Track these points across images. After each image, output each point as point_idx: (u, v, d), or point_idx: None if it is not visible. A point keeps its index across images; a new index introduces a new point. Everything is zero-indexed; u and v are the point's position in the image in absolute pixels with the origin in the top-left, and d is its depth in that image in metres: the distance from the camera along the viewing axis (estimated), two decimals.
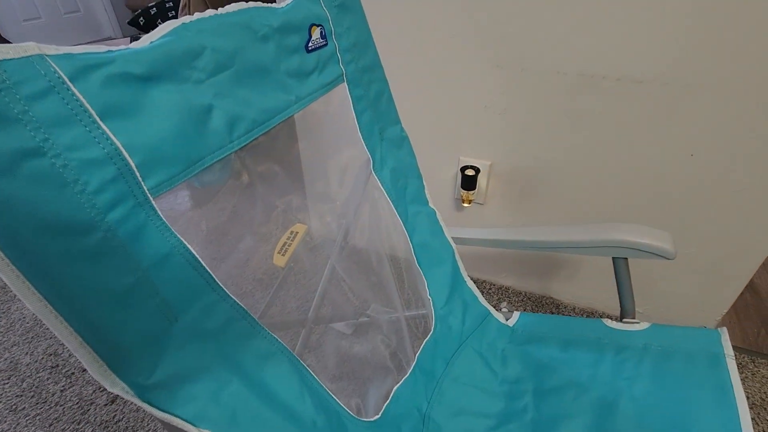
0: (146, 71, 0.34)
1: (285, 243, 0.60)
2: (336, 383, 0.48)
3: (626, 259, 0.65)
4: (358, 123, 0.61)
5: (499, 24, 0.82)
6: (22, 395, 0.92)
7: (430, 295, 0.69)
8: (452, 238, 0.74)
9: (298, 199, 0.59)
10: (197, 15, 0.39)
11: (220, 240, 0.42)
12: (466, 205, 1.02)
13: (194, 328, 0.37)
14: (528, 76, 0.84)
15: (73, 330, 0.29)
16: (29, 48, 0.28)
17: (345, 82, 0.58)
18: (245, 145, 0.42)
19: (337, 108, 0.59)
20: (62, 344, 1.03)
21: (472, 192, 0.99)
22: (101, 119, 0.31)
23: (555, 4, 0.76)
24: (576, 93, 0.82)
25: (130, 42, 0.35)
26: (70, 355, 1.00)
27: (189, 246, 0.37)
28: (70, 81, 0.29)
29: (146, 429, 0.85)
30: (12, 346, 1.02)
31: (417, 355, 0.63)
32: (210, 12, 0.40)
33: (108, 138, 0.31)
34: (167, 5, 1.85)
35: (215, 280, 0.39)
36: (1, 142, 0.26)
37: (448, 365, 0.68)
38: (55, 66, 0.29)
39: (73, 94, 0.29)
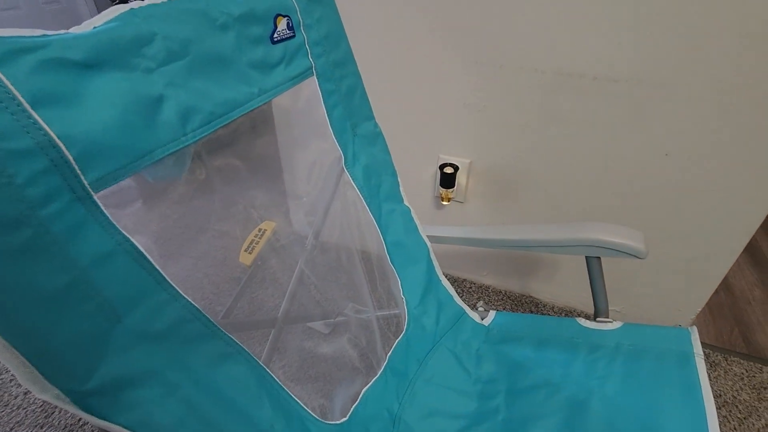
0: (87, 58, 0.32)
1: (252, 241, 0.59)
2: (302, 385, 0.47)
3: (599, 258, 0.65)
4: (329, 118, 0.60)
5: (477, 22, 0.81)
6: None
7: (403, 294, 0.68)
8: (428, 236, 0.73)
9: (264, 196, 0.57)
10: (148, 0, 0.37)
11: (175, 237, 0.40)
12: (445, 203, 1.01)
13: (141, 330, 0.35)
14: (507, 74, 0.84)
15: None
16: None
17: (315, 76, 0.57)
18: (200, 139, 0.41)
19: (306, 102, 0.57)
20: None
21: (451, 190, 0.98)
22: (32, 107, 0.29)
23: (534, 3, 0.75)
24: (554, 91, 0.82)
25: None
26: None
27: (136, 243, 0.35)
28: None
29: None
30: None
31: (388, 355, 0.62)
32: None
33: (40, 127, 0.29)
34: None
35: (165, 278, 0.37)
36: None
37: (421, 365, 0.67)
38: None
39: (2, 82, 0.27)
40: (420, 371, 0.66)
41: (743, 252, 1.27)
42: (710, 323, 1.06)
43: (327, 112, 0.59)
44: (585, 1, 0.72)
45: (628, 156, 0.83)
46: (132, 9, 0.36)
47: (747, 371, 0.93)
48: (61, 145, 0.30)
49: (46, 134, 0.29)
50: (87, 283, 0.31)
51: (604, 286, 0.67)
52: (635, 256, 0.61)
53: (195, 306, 0.39)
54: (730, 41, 0.68)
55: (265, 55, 0.49)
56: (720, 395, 0.89)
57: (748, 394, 0.89)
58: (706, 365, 0.96)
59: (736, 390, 0.89)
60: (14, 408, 0.87)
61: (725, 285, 1.17)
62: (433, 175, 1.03)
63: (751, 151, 0.75)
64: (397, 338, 0.64)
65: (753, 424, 0.83)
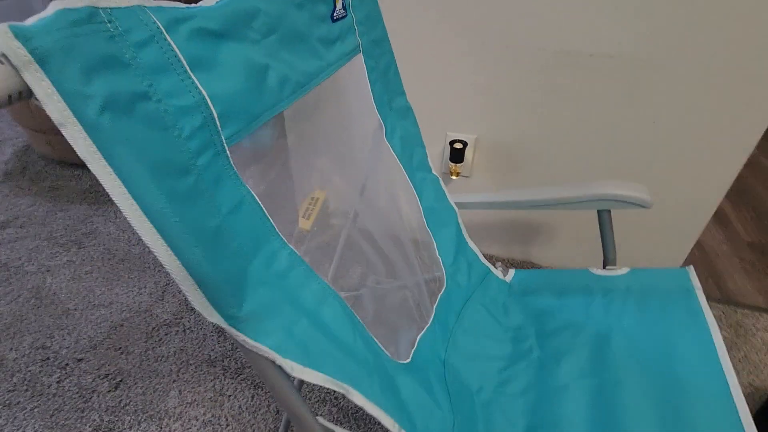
0: (219, 28, 0.36)
1: (308, 207, 0.63)
2: (372, 330, 0.52)
3: (609, 211, 0.74)
4: (372, 92, 0.65)
5: (484, 4, 0.88)
6: (14, 390, 0.88)
7: (439, 254, 0.74)
8: (454, 202, 0.80)
9: (324, 161, 0.62)
10: None
11: (271, 196, 0.45)
12: (454, 177, 1.08)
13: (264, 272, 0.40)
14: (511, 54, 0.91)
15: (180, 263, 0.32)
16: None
17: (361, 53, 0.62)
18: (292, 104, 0.45)
19: (354, 77, 0.63)
20: (50, 337, 0.99)
21: (459, 165, 1.05)
22: (191, 70, 0.33)
23: None
24: (554, 68, 0.90)
25: None
26: (60, 347, 0.97)
27: (255, 195, 0.40)
28: (166, 32, 0.31)
29: (155, 410, 0.85)
30: None
31: (434, 307, 0.69)
32: None
33: (197, 87, 0.33)
34: None
35: (275, 228, 0.42)
36: (121, 85, 0.28)
37: (458, 318, 0.74)
38: (153, 16, 0.31)
39: (170, 44, 0.31)
40: (458, 323, 0.73)
41: (712, 217, 1.42)
42: None
43: (371, 87, 0.65)
44: None
45: (620, 124, 0.93)
46: None
47: (724, 313, 1.06)
48: (210, 104, 0.34)
49: (200, 94, 0.34)
50: (227, 229, 0.36)
51: (613, 237, 0.76)
52: (642, 206, 0.70)
53: (296, 253, 0.44)
54: (712, 29, 0.78)
55: (328, 32, 0.54)
56: None
57: (727, 332, 1.02)
58: None
59: None
60: (50, 396, 0.87)
61: (698, 244, 1.31)
62: (441, 151, 1.10)
63: (726, 119, 0.86)
64: (439, 293, 0.71)
65: (734, 356, 0.96)
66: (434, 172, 1.14)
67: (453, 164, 1.05)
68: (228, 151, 0.37)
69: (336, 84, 0.63)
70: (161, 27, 0.31)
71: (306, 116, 0.60)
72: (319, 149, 0.63)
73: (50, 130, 1.52)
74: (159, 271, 1.20)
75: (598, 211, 0.74)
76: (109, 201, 1.48)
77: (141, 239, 1.30)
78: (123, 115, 0.28)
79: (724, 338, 1.00)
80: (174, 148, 0.32)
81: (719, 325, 1.03)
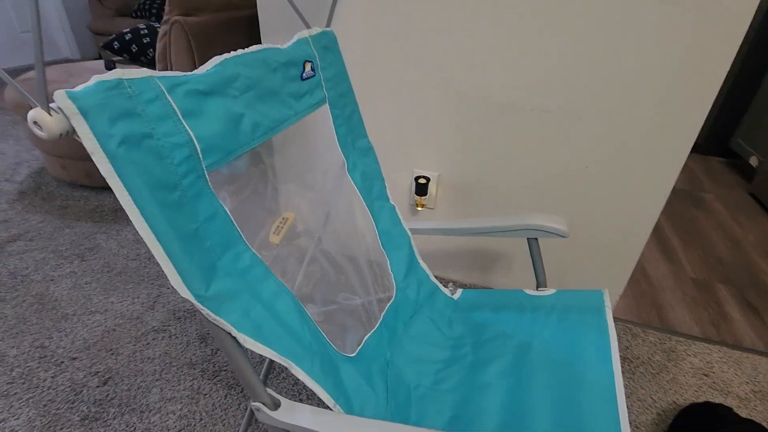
0: (207, 89, 0.51)
1: (278, 225, 0.77)
2: (322, 326, 0.64)
3: (536, 239, 0.87)
4: (337, 135, 0.80)
5: (442, 59, 1.05)
6: (12, 382, 0.99)
7: (391, 270, 0.87)
8: (408, 228, 0.94)
9: (286, 190, 0.76)
10: (239, 51, 0.57)
11: (243, 211, 0.57)
12: (419, 209, 1.22)
13: (230, 267, 0.53)
14: (466, 103, 1.08)
15: (164, 253, 0.45)
16: (144, 72, 0.44)
17: (327, 104, 0.77)
18: (261, 143, 0.60)
19: (321, 122, 0.78)
20: (48, 337, 1.10)
21: (424, 197, 1.20)
22: (183, 118, 0.47)
23: (485, 49, 1.00)
24: (502, 118, 1.06)
25: (105, 67, 0.51)
26: (57, 347, 1.08)
27: (227, 209, 0.53)
28: (168, 93, 0.46)
29: (137, 404, 0.95)
30: None
31: (383, 313, 0.81)
32: (240, 51, 0.58)
33: (186, 130, 0.48)
34: (141, 32, 1.97)
35: (241, 236, 0.55)
36: (134, 128, 0.42)
37: (406, 326, 0.85)
38: (159, 83, 0.45)
39: (169, 101, 0.46)
40: (405, 330, 0.85)
41: (659, 249, 1.55)
42: (634, 307, 1.31)
43: (335, 130, 0.80)
44: (524, 51, 0.98)
45: (559, 168, 1.08)
46: (226, 59, 0.55)
47: (659, 340, 1.17)
48: (195, 142, 0.49)
49: (188, 135, 0.48)
50: (203, 232, 0.49)
51: (542, 262, 0.89)
52: (561, 235, 0.83)
53: (257, 256, 0.57)
54: (626, 88, 0.94)
55: (298, 89, 0.69)
56: (638, 357, 1.12)
57: (660, 356, 1.12)
58: (629, 335, 1.20)
59: (651, 353, 1.13)
60: (44, 389, 0.97)
61: (645, 276, 1.43)
62: (408, 185, 1.24)
63: (644, 160, 1.01)
64: (388, 303, 0.83)
65: (663, 377, 1.06)
66: (401, 203, 1.28)
67: (418, 197, 1.20)
68: (207, 175, 0.51)
69: (304, 127, 0.78)
70: (164, 89, 0.46)
71: (277, 151, 0.75)
72: (288, 178, 0.77)
73: (66, 156, 1.68)
74: (152, 283, 1.32)
75: (528, 239, 0.87)
76: (112, 219, 1.62)
77: (138, 255, 1.43)
78: (133, 147, 0.42)
79: (657, 362, 1.10)
80: (167, 171, 0.45)
81: (653, 350, 1.14)
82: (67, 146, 1.65)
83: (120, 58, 2.06)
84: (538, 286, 0.90)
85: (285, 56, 0.66)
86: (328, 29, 0.78)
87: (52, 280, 1.30)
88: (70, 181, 1.81)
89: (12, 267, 1.34)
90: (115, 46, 1.99)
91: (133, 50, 2.00)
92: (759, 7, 2.13)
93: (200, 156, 0.49)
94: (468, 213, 1.23)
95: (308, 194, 0.81)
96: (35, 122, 0.37)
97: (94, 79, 0.40)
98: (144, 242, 1.50)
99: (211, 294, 0.49)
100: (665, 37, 0.88)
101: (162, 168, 0.45)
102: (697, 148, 2.51)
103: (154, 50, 2.00)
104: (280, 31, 1.17)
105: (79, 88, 0.39)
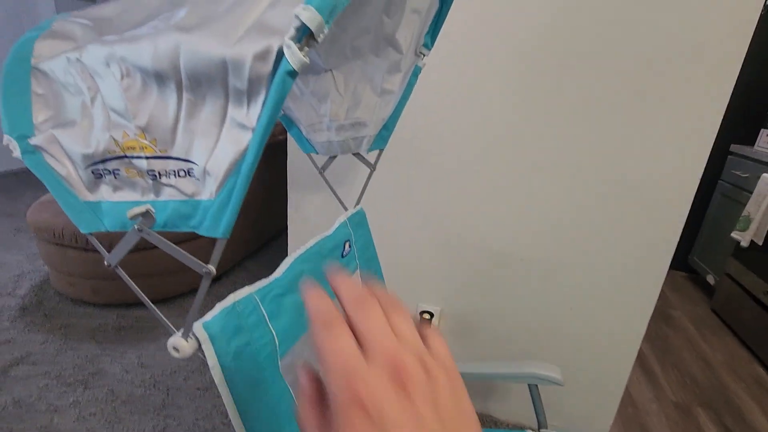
0: (283, 291, 0.64)
1: None
2: None
3: (536, 385, 0.98)
4: None
5: (443, 208, 1.23)
6: None
7: None
8: None
9: None
10: (302, 249, 0.71)
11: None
12: None
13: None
14: (463, 248, 1.25)
15: (242, 425, 0.54)
16: (245, 290, 0.57)
17: (358, 270, 0.92)
18: None
19: None
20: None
21: None
22: (269, 321, 0.60)
23: (480, 206, 1.20)
24: (496, 264, 1.23)
25: None
26: None
27: (291, 390, 0.64)
28: (260, 303, 0.59)
29: None
30: None
31: None
32: (302, 248, 0.73)
33: (271, 331, 0.60)
34: None
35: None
36: (241, 341, 0.54)
37: None
38: (255, 297, 0.58)
39: (261, 311, 0.59)
40: None
41: (641, 369, 1.66)
42: (623, 430, 1.39)
43: None
44: (514, 210, 1.18)
45: (547, 309, 1.23)
46: (294, 260, 0.69)
47: None
48: (275, 337, 0.60)
49: (272, 334, 0.60)
50: (276, 411, 0.59)
51: (542, 405, 0.99)
52: (557, 383, 0.95)
53: None
54: (601, 240, 1.14)
55: (340, 266, 0.83)
56: None
57: None
58: None
59: None
60: None
61: (631, 400, 1.53)
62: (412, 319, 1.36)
63: (618, 306, 1.18)
64: None
65: None
66: None
67: None
68: (280, 362, 0.62)
69: None
70: (258, 301, 0.58)
71: None
72: None
73: (77, 273, 1.75)
74: (157, 414, 1.33)
75: (528, 385, 0.98)
76: (116, 340, 1.65)
77: (143, 381, 1.45)
78: (239, 357, 0.53)
79: None
80: (257, 368, 0.56)
81: None
82: (80, 264, 1.73)
83: None
84: (539, 428, 0.99)
85: (332, 242, 0.81)
86: (359, 208, 0.96)
87: (56, 410, 1.29)
88: (74, 297, 1.85)
89: (17, 394, 1.33)
90: None
91: None
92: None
93: (278, 349, 0.61)
94: (469, 347, 1.34)
95: None
96: (174, 347, 0.49)
97: (218, 308, 0.52)
98: (149, 367, 1.52)
99: None
100: (633, 192, 1.10)
101: (254, 365, 0.56)
102: None
103: None
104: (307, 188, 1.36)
105: (209, 317, 0.51)
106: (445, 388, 0.22)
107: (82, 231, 0.47)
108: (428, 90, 1.12)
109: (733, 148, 2.45)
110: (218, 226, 0.38)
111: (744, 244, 2.12)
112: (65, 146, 0.41)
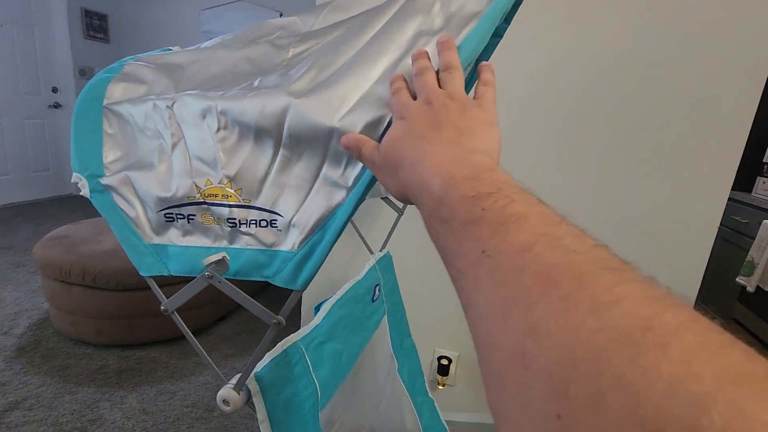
0: (324, 338, 0.63)
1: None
2: None
3: None
4: (391, 340, 0.91)
5: None
6: None
7: None
8: (445, 420, 1.00)
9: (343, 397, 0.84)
10: (339, 293, 0.71)
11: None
12: (440, 387, 1.29)
13: None
14: None
15: None
16: (292, 338, 0.56)
17: (385, 314, 0.90)
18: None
19: (379, 334, 0.90)
20: None
21: (446, 377, 1.28)
22: (313, 371, 0.58)
23: None
24: None
25: None
26: None
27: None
28: (305, 352, 0.57)
29: None
30: None
31: None
32: (338, 292, 0.72)
33: (314, 382, 0.58)
34: None
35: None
36: (289, 392, 0.52)
37: None
38: (301, 345, 0.57)
39: (306, 360, 0.57)
40: None
41: None
42: None
43: (390, 336, 0.91)
44: None
45: None
46: (332, 305, 0.68)
47: None
48: (318, 390, 0.59)
49: (315, 385, 0.58)
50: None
51: None
52: None
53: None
54: None
55: (371, 310, 0.82)
56: None
57: None
58: None
59: None
60: None
61: None
62: (430, 362, 1.33)
63: None
64: None
65: None
66: (426, 379, 1.35)
67: (440, 377, 1.28)
68: (319, 413, 0.60)
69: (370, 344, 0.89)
70: (303, 350, 0.57)
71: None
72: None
73: (80, 313, 1.70)
74: None
75: None
76: (116, 383, 1.58)
77: (145, 429, 1.38)
78: (286, 410, 0.52)
79: None
80: (301, 420, 0.54)
81: None
82: (85, 303, 1.68)
83: None
84: None
85: (364, 286, 0.80)
86: (387, 251, 0.96)
87: None
88: (75, 337, 1.79)
89: None
90: None
91: None
92: None
93: (319, 400, 0.59)
94: (483, 393, 1.30)
95: (362, 392, 0.89)
96: (224, 400, 0.47)
97: (268, 357, 0.51)
98: (150, 414, 1.46)
99: None
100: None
101: (299, 420, 0.54)
102: None
103: None
104: None
105: (259, 367, 0.50)
106: (454, 106, 0.34)
107: (142, 273, 0.46)
108: None
109: (732, 194, 2.52)
110: (297, 278, 0.38)
111: (750, 289, 2.13)
112: (138, 188, 0.41)
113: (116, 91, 0.45)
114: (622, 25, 1.03)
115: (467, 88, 0.47)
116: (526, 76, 1.09)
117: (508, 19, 0.71)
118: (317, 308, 0.69)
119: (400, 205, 0.94)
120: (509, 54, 1.09)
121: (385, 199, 0.94)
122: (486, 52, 0.78)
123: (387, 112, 0.34)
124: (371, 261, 0.89)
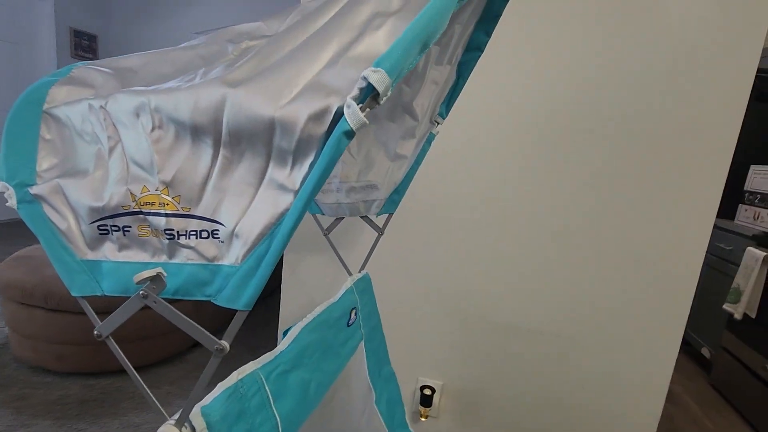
0: (289, 366, 0.57)
1: None
2: None
3: None
4: (368, 368, 0.85)
5: (450, 279, 1.19)
6: None
7: None
8: None
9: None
10: (308, 318, 0.65)
11: None
12: (423, 419, 1.21)
13: None
14: (471, 322, 1.19)
15: None
16: (249, 367, 0.50)
17: (363, 340, 0.85)
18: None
19: (356, 360, 0.83)
20: None
21: (428, 408, 1.20)
22: (273, 403, 0.52)
23: (485, 275, 1.16)
24: (503, 337, 1.17)
25: None
26: None
27: None
28: (265, 382, 0.52)
29: None
30: None
31: None
32: (308, 316, 0.67)
33: (275, 416, 0.52)
34: None
35: None
36: (240, 426, 0.46)
37: None
38: (260, 374, 0.51)
39: (266, 391, 0.51)
40: None
41: None
42: None
43: (367, 364, 0.85)
44: (523, 280, 1.14)
45: (553, 387, 1.16)
46: (301, 329, 0.63)
47: None
48: (279, 420, 0.52)
49: (276, 419, 0.52)
50: None
51: None
52: None
53: None
54: (599, 312, 1.10)
55: (345, 336, 0.77)
56: None
57: None
58: None
59: None
60: None
61: None
62: (412, 393, 1.26)
63: (635, 383, 1.11)
64: None
65: None
66: (408, 411, 1.28)
67: (423, 408, 1.20)
68: None
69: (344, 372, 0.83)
70: (263, 379, 0.51)
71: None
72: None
73: (42, 338, 1.59)
74: None
75: None
76: (76, 415, 1.47)
77: None
78: None
79: None
80: None
81: None
82: (46, 328, 1.58)
83: None
84: None
85: (339, 310, 0.75)
86: (365, 273, 0.91)
87: None
88: (34, 364, 1.67)
89: None
90: None
91: None
92: None
93: (280, 428, 0.53)
94: (467, 424, 1.23)
95: (330, 429, 0.82)
96: None
97: (219, 388, 0.45)
98: None
99: None
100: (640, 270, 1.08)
101: None
102: None
103: None
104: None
105: (208, 400, 0.44)
106: None
107: (73, 294, 0.41)
108: (439, 157, 1.12)
109: (716, 222, 2.53)
110: (240, 297, 0.34)
111: (737, 316, 2.10)
112: (70, 197, 0.36)
113: (59, 94, 0.41)
114: (604, 54, 1.03)
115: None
116: (508, 103, 1.08)
117: (488, 32, 0.69)
118: (285, 333, 0.63)
119: (381, 224, 0.90)
120: (491, 77, 1.09)
121: (364, 218, 0.90)
122: (466, 67, 0.76)
123: (334, 101, 0.30)
124: (348, 282, 0.84)
